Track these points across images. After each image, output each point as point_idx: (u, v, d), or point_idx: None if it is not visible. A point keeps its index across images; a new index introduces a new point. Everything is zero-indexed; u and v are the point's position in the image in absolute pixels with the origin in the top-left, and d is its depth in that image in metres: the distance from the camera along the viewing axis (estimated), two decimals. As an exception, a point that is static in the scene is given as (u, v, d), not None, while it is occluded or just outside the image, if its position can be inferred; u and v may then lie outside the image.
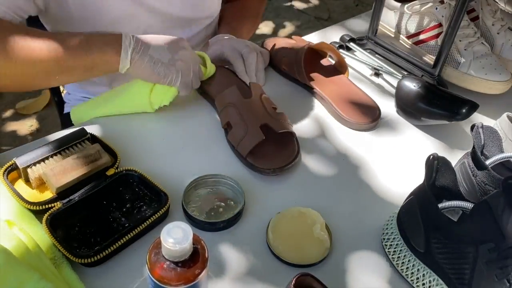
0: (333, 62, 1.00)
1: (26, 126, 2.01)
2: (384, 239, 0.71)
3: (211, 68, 0.92)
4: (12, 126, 2.01)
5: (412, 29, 1.05)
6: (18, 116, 2.05)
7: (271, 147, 0.81)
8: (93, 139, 0.79)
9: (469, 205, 0.63)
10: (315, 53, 1.01)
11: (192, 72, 0.85)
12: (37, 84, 0.88)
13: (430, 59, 1.01)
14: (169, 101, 0.86)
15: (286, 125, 0.83)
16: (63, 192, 0.70)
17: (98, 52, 0.79)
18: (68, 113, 1.11)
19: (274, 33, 2.62)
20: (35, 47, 0.78)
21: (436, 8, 0.99)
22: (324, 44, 0.97)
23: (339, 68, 0.99)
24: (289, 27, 2.69)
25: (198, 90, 0.93)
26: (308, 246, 0.68)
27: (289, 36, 1.11)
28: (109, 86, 1.04)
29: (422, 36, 1.03)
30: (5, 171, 0.72)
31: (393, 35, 1.10)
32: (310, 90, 0.97)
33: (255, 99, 0.84)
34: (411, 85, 0.89)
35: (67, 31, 0.84)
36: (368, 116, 0.90)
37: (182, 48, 0.84)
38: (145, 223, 0.68)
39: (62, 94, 1.19)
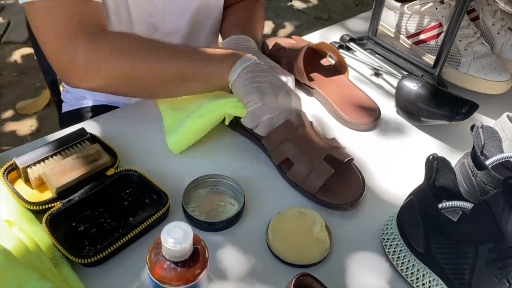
0: (333, 62, 1.00)
1: (26, 126, 2.01)
2: (384, 239, 0.71)
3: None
4: (12, 126, 2.01)
5: (412, 29, 1.05)
6: (18, 116, 2.05)
7: (334, 177, 0.74)
8: (93, 139, 0.79)
9: (469, 205, 0.63)
10: (315, 53, 1.01)
11: (275, 117, 0.77)
12: (157, 92, 0.85)
13: (430, 59, 1.01)
14: (233, 115, 0.81)
15: (345, 152, 0.78)
16: (63, 192, 0.70)
17: (216, 63, 0.79)
18: (66, 113, 1.12)
19: (274, 33, 2.62)
20: (161, 55, 0.79)
21: (436, 8, 0.99)
22: (324, 44, 0.97)
23: (339, 68, 0.99)
24: (289, 27, 2.69)
25: (231, 125, 0.85)
26: (308, 246, 0.68)
27: (289, 36, 1.11)
28: None
29: (422, 36, 1.03)
30: (5, 171, 0.72)
31: (393, 35, 1.10)
32: (310, 90, 0.97)
33: (308, 129, 0.79)
34: (411, 85, 0.89)
35: (183, 44, 0.86)
36: (368, 116, 0.90)
37: (291, 93, 0.79)
38: (145, 223, 0.68)
39: (61, 95, 1.19)
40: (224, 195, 0.76)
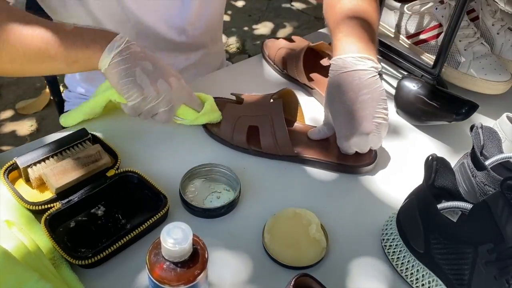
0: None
1: (26, 126, 2.01)
2: (383, 239, 0.71)
3: (212, 114, 0.84)
4: (12, 126, 2.01)
5: (412, 29, 1.05)
6: (18, 116, 2.06)
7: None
8: (94, 139, 0.79)
9: (468, 206, 0.63)
10: (315, 53, 1.01)
11: (163, 107, 0.77)
12: (23, 70, 0.82)
13: (430, 59, 1.01)
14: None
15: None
16: (62, 193, 0.71)
17: (83, 46, 0.75)
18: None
19: (274, 33, 2.62)
20: (27, 34, 0.75)
21: (436, 8, 0.99)
22: (324, 44, 0.97)
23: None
24: (288, 27, 2.69)
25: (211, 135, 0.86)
26: (304, 247, 0.68)
27: (289, 36, 1.11)
28: None
29: (422, 36, 1.03)
30: (5, 170, 0.72)
31: (393, 35, 1.10)
32: (310, 90, 0.97)
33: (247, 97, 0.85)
34: (411, 85, 0.89)
35: (63, 22, 0.80)
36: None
37: (170, 77, 0.78)
38: (144, 225, 0.68)
39: (62, 94, 1.19)
40: (219, 183, 0.77)
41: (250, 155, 0.83)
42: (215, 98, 0.85)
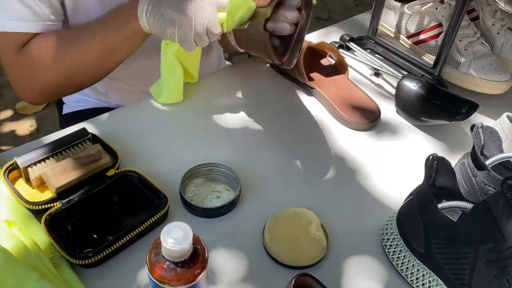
0: (333, 62, 1.00)
1: (26, 126, 2.01)
2: (383, 239, 0.70)
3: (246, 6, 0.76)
4: (12, 126, 2.01)
5: (412, 29, 1.05)
6: (18, 116, 2.05)
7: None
8: (94, 139, 0.79)
9: (468, 206, 0.63)
10: (315, 53, 1.01)
11: (195, 26, 0.75)
12: (101, 71, 0.90)
13: (430, 59, 1.01)
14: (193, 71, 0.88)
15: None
16: (62, 192, 0.70)
17: (124, 24, 0.81)
18: (67, 114, 1.12)
19: (274, 33, 2.62)
20: (79, 49, 0.84)
21: (436, 8, 0.99)
22: (324, 44, 0.97)
23: (339, 68, 0.99)
24: (289, 27, 2.68)
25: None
26: (305, 246, 0.68)
27: (289, 36, 1.11)
28: (105, 94, 1.07)
29: (422, 36, 1.03)
30: (5, 170, 0.72)
31: (393, 35, 1.10)
32: (310, 90, 0.97)
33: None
34: (411, 85, 0.89)
35: (89, 22, 0.85)
36: (368, 116, 0.90)
37: (187, 3, 0.76)
38: (144, 225, 0.68)
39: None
40: (219, 182, 0.77)
41: (250, 154, 0.83)
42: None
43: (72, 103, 1.12)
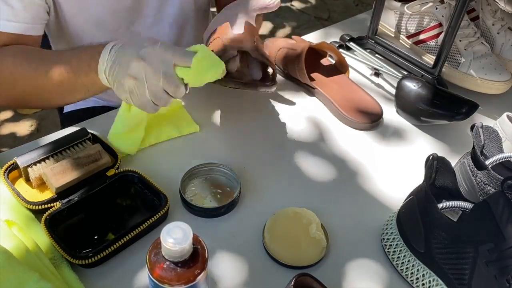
0: (333, 61, 1.00)
1: (26, 126, 2.01)
2: (383, 239, 0.70)
3: (209, 61, 0.70)
4: (12, 126, 2.01)
5: (412, 29, 1.05)
6: (18, 116, 2.05)
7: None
8: (94, 139, 0.79)
9: (468, 205, 0.63)
10: (316, 53, 1.01)
11: (148, 89, 0.68)
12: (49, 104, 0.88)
13: (430, 59, 1.01)
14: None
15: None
16: (62, 192, 0.70)
17: (85, 74, 0.75)
18: (68, 113, 1.13)
19: (273, 33, 2.62)
20: (37, 78, 0.79)
21: (436, 8, 0.99)
22: (324, 44, 0.97)
23: (340, 68, 0.99)
24: (288, 27, 2.69)
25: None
26: (305, 246, 0.68)
27: (289, 36, 1.11)
28: (105, 91, 1.06)
29: (422, 36, 1.03)
30: (6, 170, 0.72)
31: (393, 35, 1.10)
32: (312, 90, 0.97)
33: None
34: (411, 85, 0.89)
35: (66, 52, 0.81)
36: (371, 115, 0.90)
37: (141, 50, 0.68)
38: (144, 224, 0.68)
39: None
40: (219, 182, 0.77)
41: (250, 154, 0.83)
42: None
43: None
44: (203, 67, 0.70)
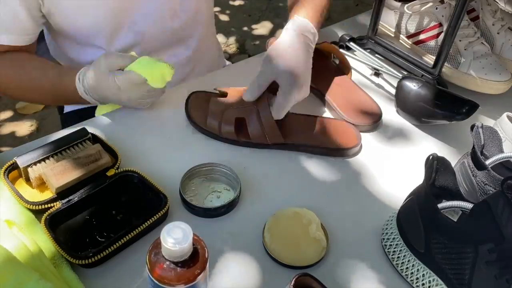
0: (336, 62, 1.00)
1: (26, 126, 2.01)
2: (383, 239, 0.70)
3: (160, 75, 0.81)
4: (12, 126, 2.01)
5: (412, 29, 1.05)
6: (18, 116, 2.05)
7: (327, 129, 0.87)
8: (94, 139, 0.79)
9: (468, 205, 0.63)
10: (317, 53, 1.01)
11: (114, 92, 0.83)
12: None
13: (430, 59, 1.01)
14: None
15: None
16: (62, 192, 0.70)
17: (73, 98, 0.89)
18: (68, 113, 1.13)
19: (274, 33, 2.62)
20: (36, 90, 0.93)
21: (436, 8, 0.99)
22: (326, 44, 0.97)
23: (342, 69, 0.99)
24: (289, 27, 2.68)
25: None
26: (305, 246, 0.68)
27: (289, 36, 1.10)
28: None
29: (422, 36, 1.03)
30: (6, 170, 0.72)
31: (393, 35, 1.10)
32: (312, 90, 0.96)
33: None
34: (411, 85, 0.89)
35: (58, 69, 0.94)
36: (370, 117, 0.90)
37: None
38: (144, 224, 0.68)
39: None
40: (219, 182, 0.77)
41: (250, 155, 0.83)
42: (204, 92, 0.89)
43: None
44: (145, 61, 0.81)
